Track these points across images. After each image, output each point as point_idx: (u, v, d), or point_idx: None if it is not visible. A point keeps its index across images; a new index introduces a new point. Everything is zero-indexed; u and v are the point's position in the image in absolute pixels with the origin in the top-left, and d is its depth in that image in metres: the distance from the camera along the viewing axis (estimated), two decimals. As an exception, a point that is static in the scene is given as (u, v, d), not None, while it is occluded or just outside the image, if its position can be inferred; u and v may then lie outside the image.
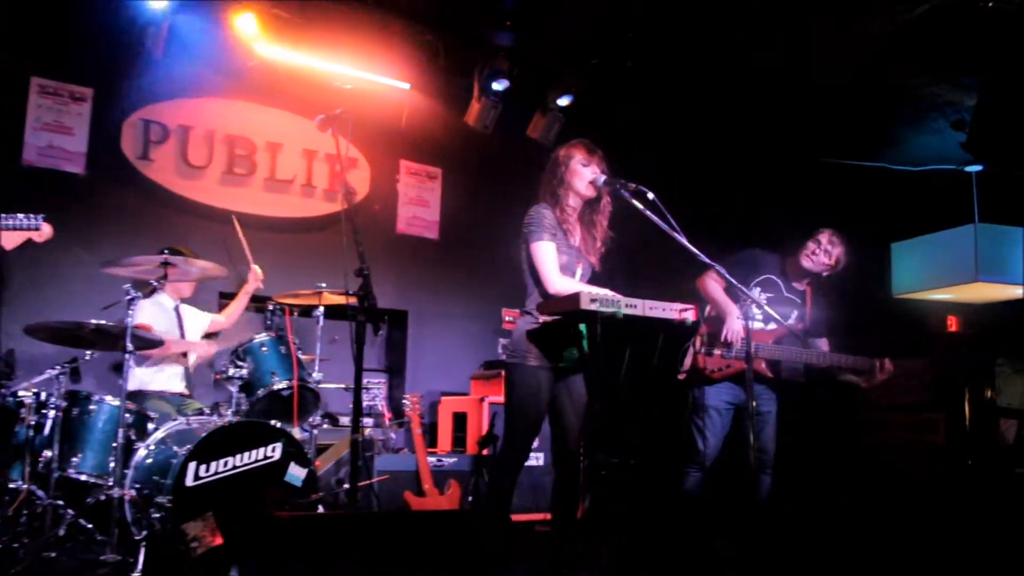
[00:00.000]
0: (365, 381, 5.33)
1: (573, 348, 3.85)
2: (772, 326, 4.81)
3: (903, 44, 5.89)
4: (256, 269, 5.77)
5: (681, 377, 4.80)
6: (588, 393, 3.90)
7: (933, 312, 7.27)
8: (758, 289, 4.88)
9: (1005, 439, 6.32)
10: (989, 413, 6.37)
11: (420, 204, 7.43)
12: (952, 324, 7.14)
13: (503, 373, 6.14)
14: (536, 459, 5.96)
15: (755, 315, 4.78)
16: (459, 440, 6.44)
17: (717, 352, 4.77)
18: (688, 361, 4.78)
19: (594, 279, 4.05)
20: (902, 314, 7.35)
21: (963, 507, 5.70)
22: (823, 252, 4.93)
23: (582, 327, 3.78)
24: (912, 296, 7.12)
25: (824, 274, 4.98)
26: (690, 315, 3.68)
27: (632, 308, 3.52)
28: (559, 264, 3.86)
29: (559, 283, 3.81)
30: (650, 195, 3.79)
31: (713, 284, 4.78)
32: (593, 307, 3.43)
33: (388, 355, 7.33)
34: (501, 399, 6.05)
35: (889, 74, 6.34)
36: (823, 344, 4.95)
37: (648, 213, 3.83)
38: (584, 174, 3.97)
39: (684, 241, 3.96)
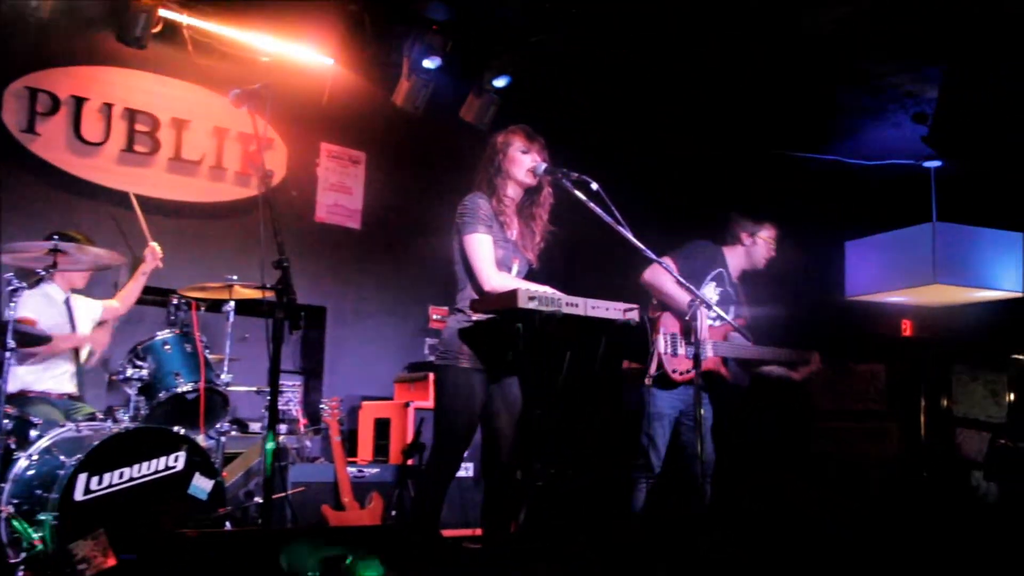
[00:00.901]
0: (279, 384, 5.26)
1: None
2: (719, 322, 4.93)
3: (862, 29, 6.01)
4: (154, 246, 5.63)
5: (648, 382, 4.83)
6: (525, 398, 3.91)
7: (888, 315, 7.44)
8: (712, 283, 4.96)
9: (962, 450, 6.51)
10: (946, 423, 6.55)
11: (342, 191, 7.35)
12: (907, 328, 7.32)
13: (430, 376, 6.16)
14: (465, 470, 5.95)
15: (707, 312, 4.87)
16: (381, 449, 6.40)
17: (681, 352, 4.83)
18: (655, 365, 4.82)
19: (531, 276, 4.06)
20: (855, 317, 7.51)
21: (920, 522, 5.85)
22: (773, 248, 5.07)
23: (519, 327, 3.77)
24: (866, 298, 7.27)
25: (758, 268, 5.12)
26: (634, 315, 3.72)
27: (573, 307, 3.54)
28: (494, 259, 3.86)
29: (495, 279, 3.80)
30: (594, 185, 3.81)
31: (665, 276, 4.81)
32: (531, 306, 3.44)
33: (304, 355, 7.25)
34: (428, 404, 6.06)
35: (847, 61, 6.46)
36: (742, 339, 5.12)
37: (591, 205, 3.85)
38: (523, 162, 3.97)
39: (629, 235, 4.00)
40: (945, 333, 7.16)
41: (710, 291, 4.96)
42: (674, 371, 4.81)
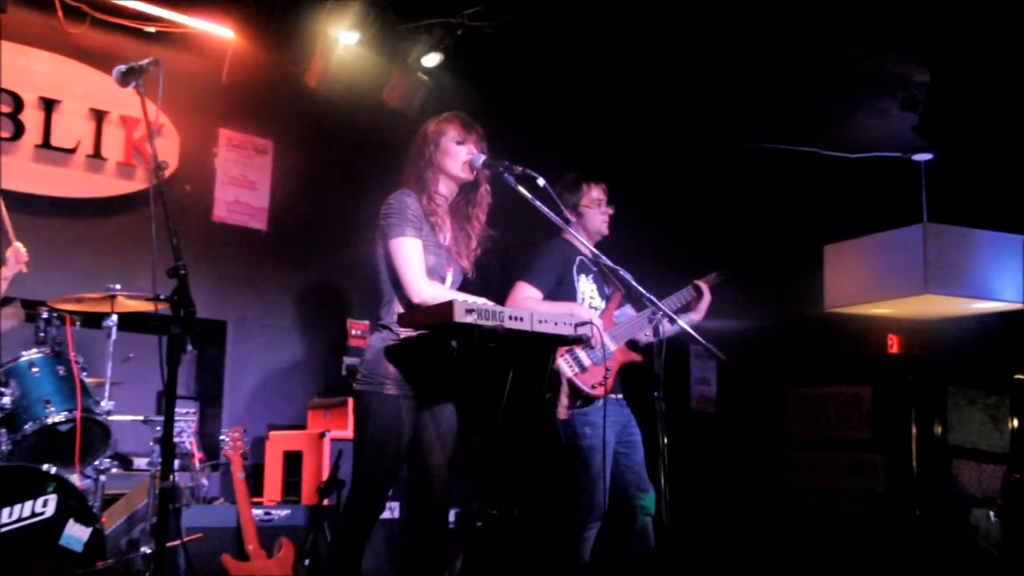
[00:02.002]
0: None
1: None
2: (603, 303, 5.12)
3: (843, 4, 6.12)
4: (19, 247, 5.53)
5: (564, 415, 4.90)
6: (461, 427, 3.93)
7: (872, 330, 7.59)
8: (582, 277, 5.12)
9: (959, 484, 6.63)
10: (940, 453, 6.66)
11: (244, 185, 7.30)
12: (894, 344, 7.48)
13: (350, 401, 6.14)
14: (390, 510, 5.94)
15: (590, 303, 5.07)
16: (292, 487, 6.37)
17: (588, 363, 4.91)
18: (565, 399, 4.88)
19: (465, 287, 4.09)
20: (835, 332, 7.65)
21: (913, 566, 5.96)
22: (605, 205, 5.27)
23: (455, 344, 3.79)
24: (847, 310, 7.41)
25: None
26: (587, 330, 3.75)
27: (517, 322, 3.56)
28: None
29: (426, 290, 3.83)
30: (540, 181, 3.86)
31: (528, 300, 4.94)
32: (469, 320, 3.46)
33: (200, 378, 7.19)
34: (347, 434, 6.05)
35: (825, 41, 6.56)
36: (631, 311, 5.31)
37: (538, 204, 3.89)
38: (458, 154, 4.02)
39: (582, 239, 4.05)
40: (938, 350, 7.32)
41: (585, 286, 5.11)
42: (593, 387, 4.89)
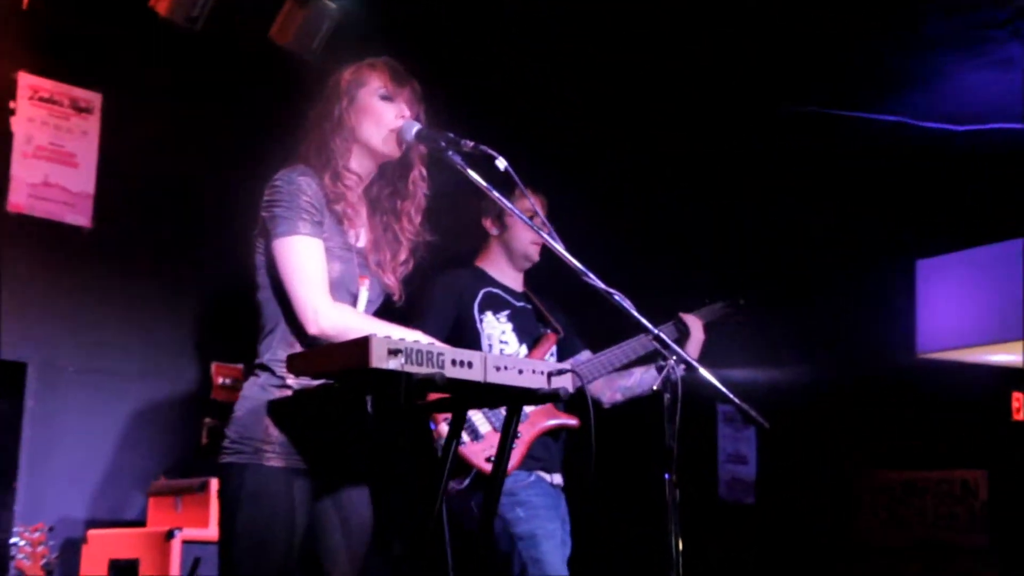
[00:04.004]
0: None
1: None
2: (524, 349, 5.35)
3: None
4: None
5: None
6: (378, 522, 3.94)
7: (989, 386, 7.65)
8: (490, 315, 5.35)
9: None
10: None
11: (58, 159, 7.29)
12: (1021, 408, 7.55)
13: (213, 483, 6.14)
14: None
15: (501, 350, 5.30)
16: (123, 614, 6.36)
17: (486, 428, 5.06)
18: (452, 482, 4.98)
19: (388, 313, 4.10)
20: (933, 389, 7.72)
21: None
22: (543, 219, 5.36)
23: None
24: (950, 356, 7.46)
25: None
26: (566, 383, 3.74)
27: (464, 369, 3.57)
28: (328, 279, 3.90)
29: (329, 315, 3.81)
30: (500, 163, 3.88)
31: None
32: (393, 365, 3.46)
33: (-17, 448, 7.16)
34: (209, 533, 6.03)
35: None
36: (585, 356, 5.54)
37: (496, 195, 3.92)
38: (382, 114, 4.02)
39: (559, 248, 4.08)
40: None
41: (493, 327, 5.34)
42: (488, 460, 4.98)
